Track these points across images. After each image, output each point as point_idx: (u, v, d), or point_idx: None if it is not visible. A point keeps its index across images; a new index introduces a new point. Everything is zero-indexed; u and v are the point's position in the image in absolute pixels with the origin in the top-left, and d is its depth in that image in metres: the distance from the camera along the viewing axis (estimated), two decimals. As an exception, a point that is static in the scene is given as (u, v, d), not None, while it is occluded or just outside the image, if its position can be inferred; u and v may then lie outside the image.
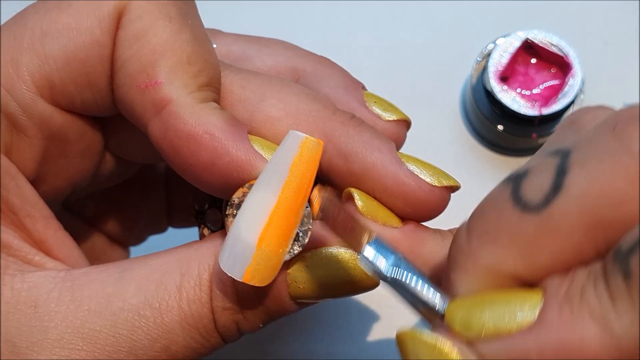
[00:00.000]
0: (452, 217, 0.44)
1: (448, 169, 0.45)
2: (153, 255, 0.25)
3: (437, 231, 0.25)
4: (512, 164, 0.45)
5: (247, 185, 0.24)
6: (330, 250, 0.24)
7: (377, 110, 0.28)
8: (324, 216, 0.22)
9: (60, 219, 0.27)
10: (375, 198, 0.25)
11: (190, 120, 0.24)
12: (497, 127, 0.43)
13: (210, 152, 0.23)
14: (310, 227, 0.24)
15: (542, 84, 0.43)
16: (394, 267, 0.21)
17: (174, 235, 0.38)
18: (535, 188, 0.19)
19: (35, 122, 0.25)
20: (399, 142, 0.28)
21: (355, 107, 0.28)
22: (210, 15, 0.48)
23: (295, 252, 0.24)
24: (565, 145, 0.20)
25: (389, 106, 0.28)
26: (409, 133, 0.29)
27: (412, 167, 0.25)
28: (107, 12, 0.24)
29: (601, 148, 0.19)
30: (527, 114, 0.41)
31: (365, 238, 0.22)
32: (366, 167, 0.25)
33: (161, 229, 0.36)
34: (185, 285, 0.24)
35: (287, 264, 0.24)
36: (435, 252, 0.24)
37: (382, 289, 0.23)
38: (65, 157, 0.27)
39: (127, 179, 0.32)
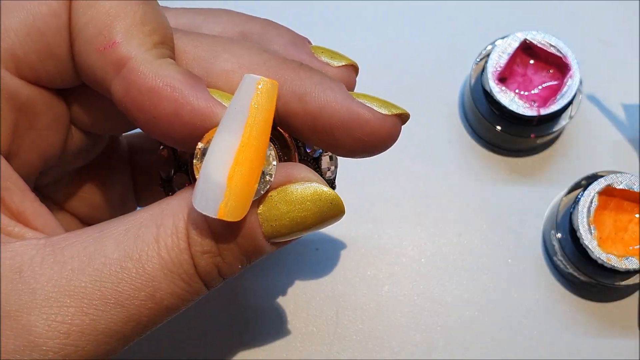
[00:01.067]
0: (453, 216, 0.44)
1: (447, 169, 0.46)
2: (127, 215, 0.26)
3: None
4: (511, 164, 0.45)
5: (210, 132, 0.25)
6: (296, 186, 0.25)
7: (325, 59, 0.30)
8: None
9: None
10: (332, 135, 0.26)
11: (150, 75, 0.25)
12: (496, 127, 0.43)
13: (172, 103, 0.25)
14: (275, 165, 0.25)
15: (541, 84, 0.43)
16: None
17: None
18: None
19: (3, 95, 0.26)
20: (350, 86, 0.29)
21: (305, 59, 0.29)
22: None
23: (263, 191, 0.25)
24: None
25: (335, 54, 0.30)
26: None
27: (362, 100, 0.27)
28: None
29: None
30: (526, 114, 0.41)
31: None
32: (321, 104, 0.26)
33: (130, 209, 0.37)
34: (162, 234, 0.25)
35: (256, 204, 0.25)
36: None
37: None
38: (35, 129, 0.28)
39: (93, 159, 0.33)
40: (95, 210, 0.35)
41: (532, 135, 0.43)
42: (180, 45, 0.27)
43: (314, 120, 0.26)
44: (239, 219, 0.24)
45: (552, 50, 0.42)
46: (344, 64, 0.29)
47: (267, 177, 0.25)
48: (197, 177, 0.24)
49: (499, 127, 0.43)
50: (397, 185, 0.45)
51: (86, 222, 0.35)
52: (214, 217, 0.23)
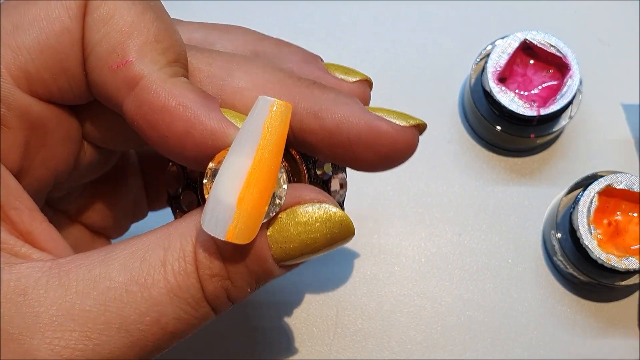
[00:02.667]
0: (453, 216, 0.44)
1: (447, 169, 0.46)
2: (134, 237, 0.26)
3: None
4: (511, 164, 0.45)
5: (221, 153, 0.25)
6: (305, 207, 0.25)
7: (340, 75, 0.30)
8: None
9: (45, 214, 0.27)
10: (350, 150, 0.26)
11: (163, 93, 0.25)
12: (496, 127, 0.43)
13: (184, 122, 0.24)
14: (285, 188, 0.25)
15: (541, 84, 0.43)
16: None
17: (154, 222, 0.38)
18: None
19: (15, 113, 0.26)
20: (365, 101, 0.30)
21: (319, 76, 0.29)
22: (210, 15, 0.49)
23: (273, 213, 0.25)
24: None
25: (349, 70, 0.30)
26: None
27: (379, 114, 0.27)
28: (73, 0, 0.25)
29: None
30: (526, 115, 0.42)
31: None
32: (338, 120, 0.26)
33: (142, 216, 0.37)
34: (169, 258, 0.24)
35: (266, 226, 0.25)
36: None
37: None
38: (46, 146, 0.27)
39: (105, 172, 0.33)
40: (108, 220, 0.35)
41: (532, 135, 0.43)
42: (194, 62, 0.27)
43: (331, 137, 0.26)
44: (248, 242, 0.24)
45: (552, 50, 0.42)
46: (358, 79, 0.30)
47: (278, 200, 0.25)
48: (207, 197, 0.24)
49: (498, 127, 0.43)
50: (397, 185, 0.45)
51: (100, 233, 0.35)
52: (222, 239, 0.23)
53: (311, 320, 0.42)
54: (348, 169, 0.29)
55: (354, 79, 0.30)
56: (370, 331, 0.42)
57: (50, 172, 0.28)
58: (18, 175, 0.27)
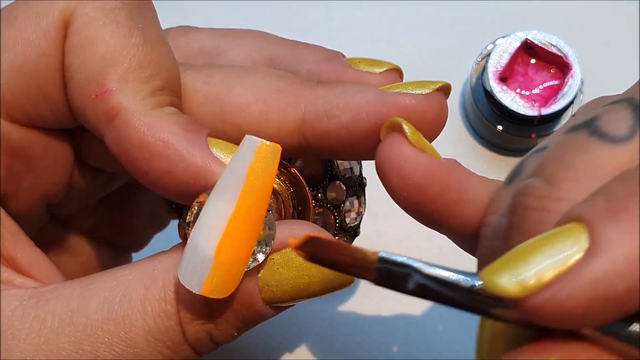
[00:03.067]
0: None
1: (447, 169, 0.46)
2: (118, 268, 0.24)
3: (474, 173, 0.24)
4: (512, 164, 0.45)
5: (207, 191, 0.23)
6: None
7: (364, 68, 0.27)
8: (318, 261, 0.20)
9: (54, 233, 0.27)
10: (375, 139, 0.24)
11: (142, 128, 0.23)
12: (497, 127, 0.43)
13: (165, 160, 0.23)
14: (274, 233, 0.23)
15: (542, 84, 0.43)
16: (411, 276, 0.19)
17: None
18: (617, 124, 0.19)
19: None
20: None
21: (342, 71, 0.27)
22: (209, 15, 0.49)
23: (260, 259, 0.23)
24: (620, 97, 0.20)
25: (375, 62, 0.28)
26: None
27: (396, 90, 0.25)
28: (51, 22, 0.24)
29: None
30: (527, 114, 0.41)
31: (372, 260, 0.20)
32: (353, 112, 0.24)
33: (163, 226, 0.35)
34: (149, 297, 0.23)
35: (257, 268, 0.23)
36: (478, 191, 0.23)
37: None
38: (32, 172, 0.26)
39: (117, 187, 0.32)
40: (126, 234, 0.34)
41: (533, 135, 0.43)
42: (190, 83, 0.25)
43: (350, 132, 0.24)
44: (226, 295, 0.22)
45: (553, 49, 0.42)
46: (386, 69, 0.27)
47: (264, 247, 0.23)
48: (188, 238, 0.22)
49: (499, 127, 0.43)
50: (397, 185, 0.45)
51: (117, 246, 0.33)
52: (197, 292, 0.22)
53: (311, 320, 0.42)
54: None
55: (381, 69, 0.27)
56: (369, 331, 0.42)
57: (40, 196, 0.27)
58: (3, 200, 0.26)
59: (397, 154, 0.23)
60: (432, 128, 0.24)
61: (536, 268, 0.17)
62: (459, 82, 0.47)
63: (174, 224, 0.36)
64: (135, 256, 0.36)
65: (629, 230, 0.16)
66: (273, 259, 0.23)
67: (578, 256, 0.17)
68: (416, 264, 0.19)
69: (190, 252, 0.22)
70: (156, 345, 0.23)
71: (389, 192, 0.24)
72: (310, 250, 0.20)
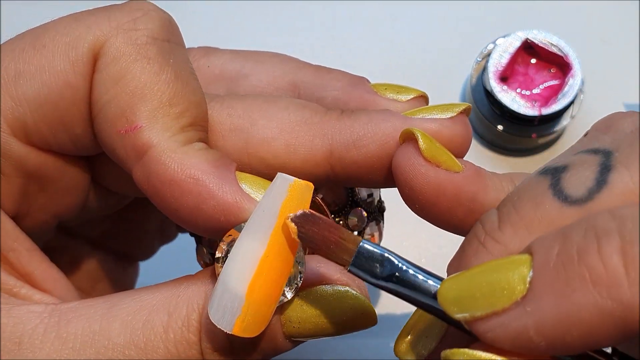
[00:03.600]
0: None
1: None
2: (142, 290, 0.24)
3: (494, 174, 0.24)
4: (512, 164, 0.45)
5: (236, 227, 0.23)
6: (325, 288, 0.23)
7: (391, 95, 0.27)
8: (304, 239, 0.21)
9: (60, 243, 0.27)
10: None
11: (172, 166, 0.23)
12: (497, 127, 0.43)
13: (195, 197, 0.23)
14: (303, 270, 0.23)
15: (542, 84, 0.43)
16: (386, 270, 0.21)
17: (186, 242, 0.38)
18: (577, 182, 0.19)
19: (10, 162, 0.25)
20: None
21: (369, 99, 0.27)
22: (210, 16, 0.49)
23: (289, 296, 0.23)
24: (605, 146, 0.20)
25: (400, 88, 0.28)
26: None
27: (421, 115, 0.25)
28: (81, 54, 0.24)
29: None
30: (527, 114, 0.41)
31: (350, 249, 0.21)
32: (381, 141, 0.24)
33: (170, 238, 0.35)
34: (172, 325, 0.23)
35: (282, 305, 0.23)
36: (497, 198, 0.23)
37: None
38: (47, 193, 0.26)
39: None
40: (133, 245, 0.34)
41: (534, 135, 0.43)
42: (215, 116, 0.25)
43: (380, 161, 0.24)
44: (256, 335, 0.22)
45: (554, 49, 0.42)
46: (413, 96, 0.27)
47: (294, 284, 0.23)
48: (217, 275, 0.22)
49: (500, 127, 0.43)
50: (397, 185, 0.45)
51: (123, 256, 0.34)
52: (229, 332, 0.21)
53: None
54: None
55: (408, 97, 0.27)
56: (370, 331, 0.42)
57: (53, 216, 0.27)
58: (16, 218, 0.26)
59: (409, 169, 0.23)
60: (459, 149, 0.25)
61: (482, 299, 0.19)
62: (459, 82, 0.47)
63: (181, 236, 0.36)
64: (142, 265, 0.36)
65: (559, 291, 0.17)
66: (298, 295, 0.23)
67: (521, 289, 0.18)
68: (393, 257, 0.21)
69: (221, 291, 0.22)
70: None
71: (403, 199, 0.24)
72: (302, 223, 0.21)
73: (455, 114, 0.25)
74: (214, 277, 0.23)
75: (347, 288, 0.23)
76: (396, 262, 0.21)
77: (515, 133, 0.43)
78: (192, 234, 0.30)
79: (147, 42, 0.24)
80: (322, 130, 0.25)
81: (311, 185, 0.22)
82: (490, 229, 0.20)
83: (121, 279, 0.33)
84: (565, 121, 0.43)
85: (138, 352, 0.23)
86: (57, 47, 0.24)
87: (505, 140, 0.44)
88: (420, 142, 0.23)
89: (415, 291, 0.21)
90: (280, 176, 0.22)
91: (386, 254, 0.21)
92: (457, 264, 0.21)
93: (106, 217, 0.31)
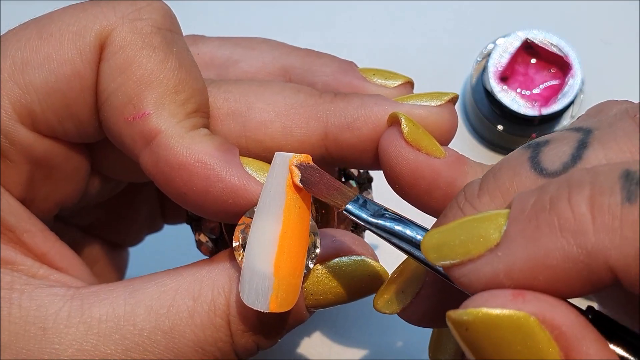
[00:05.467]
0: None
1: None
2: (162, 274, 0.25)
3: (478, 164, 0.25)
4: (512, 164, 0.45)
5: (247, 213, 0.24)
6: (342, 259, 0.25)
7: (379, 81, 0.28)
8: (306, 183, 0.23)
9: (53, 230, 0.27)
10: None
11: (181, 150, 0.23)
12: (497, 127, 0.43)
13: (204, 180, 0.23)
14: (318, 238, 0.24)
15: (542, 84, 0.43)
16: (377, 215, 0.22)
17: (171, 233, 0.38)
18: (555, 156, 0.20)
19: (17, 148, 0.25)
20: None
21: (358, 85, 0.28)
22: (209, 15, 0.49)
23: (311, 266, 0.24)
24: (588, 125, 0.21)
25: (388, 74, 0.29)
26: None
27: (411, 102, 0.26)
28: (88, 43, 0.24)
29: (621, 131, 0.20)
30: (527, 114, 0.41)
31: (349, 195, 0.22)
32: (373, 124, 0.25)
33: (157, 228, 0.36)
34: (198, 310, 0.23)
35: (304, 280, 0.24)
36: None
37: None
38: (51, 180, 0.27)
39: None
40: (122, 233, 0.34)
41: (534, 135, 0.43)
42: (212, 100, 0.26)
43: (372, 143, 0.25)
44: (291, 307, 0.23)
45: (554, 49, 0.42)
46: (400, 82, 0.28)
47: (313, 253, 0.24)
48: (239, 263, 0.23)
49: (500, 127, 0.43)
50: (397, 185, 0.45)
51: (113, 243, 0.34)
52: (266, 311, 0.22)
53: (311, 320, 0.42)
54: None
55: (396, 84, 0.28)
56: (370, 331, 0.42)
57: (55, 203, 0.28)
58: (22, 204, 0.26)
59: (391, 150, 0.24)
60: (445, 136, 0.26)
61: (462, 244, 0.19)
62: (459, 82, 0.47)
63: (167, 227, 0.37)
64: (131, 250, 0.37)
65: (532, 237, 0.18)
66: (317, 269, 0.24)
67: (495, 238, 0.19)
68: (387, 210, 0.23)
69: (249, 275, 0.22)
70: (204, 355, 0.24)
71: (386, 180, 0.25)
72: (306, 174, 0.23)
73: (443, 102, 0.26)
74: (233, 260, 0.24)
75: (363, 257, 0.25)
76: (390, 212, 0.22)
77: (516, 133, 0.43)
78: (189, 223, 0.30)
79: (151, 32, 0.24)
80: (316, 113, 0.25)
81: (309, 156, 0.23)
82: (470, 196, 0.21)
83: (114, 263, 0.34)
84: (565, 121, 0.43)
85: (164, 336, 0.23)
86: (64, 36, 0.24)
87: (505, 140, 0.44)
88: (404, 125, 0.24)
89: (403, 241, 0.22)
90: (279, 155, 0.23)
91: (382, 206, 0.23)
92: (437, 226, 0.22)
93: (98, 206, 0.32)
